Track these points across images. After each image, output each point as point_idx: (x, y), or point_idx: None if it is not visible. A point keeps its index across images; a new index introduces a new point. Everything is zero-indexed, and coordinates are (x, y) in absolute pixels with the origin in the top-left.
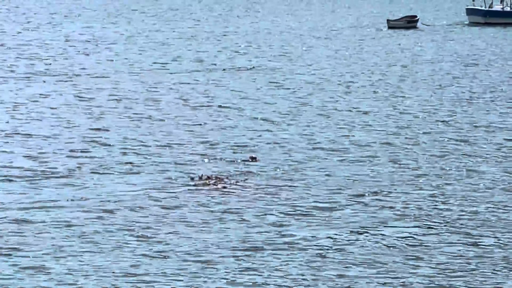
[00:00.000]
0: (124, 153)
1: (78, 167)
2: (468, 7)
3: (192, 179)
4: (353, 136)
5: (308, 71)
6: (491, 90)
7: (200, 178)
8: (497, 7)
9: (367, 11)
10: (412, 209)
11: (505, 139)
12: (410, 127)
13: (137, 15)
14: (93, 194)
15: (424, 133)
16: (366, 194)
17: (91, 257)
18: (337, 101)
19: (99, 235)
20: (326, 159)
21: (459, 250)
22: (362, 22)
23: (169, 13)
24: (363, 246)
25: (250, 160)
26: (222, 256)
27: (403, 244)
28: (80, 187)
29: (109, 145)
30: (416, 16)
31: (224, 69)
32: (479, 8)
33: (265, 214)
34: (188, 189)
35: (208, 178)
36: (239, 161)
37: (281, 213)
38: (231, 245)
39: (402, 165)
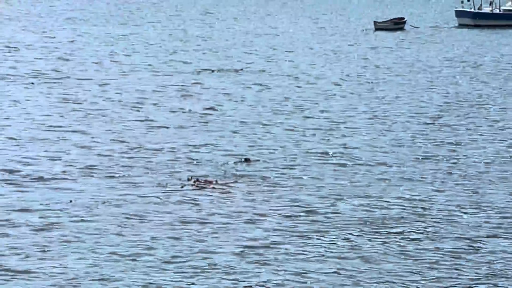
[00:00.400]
0: (111, 157)
1: (63, 170)
2: (457, 9)
3: (181, 181)
4: (341, 138)
5: (295, 73)
6: (477, 92)
7: (189, 180)
8: (486, 9)
9: (356, 12)
10: (406, 212)
11: (488, 142)
12: (395, 130)
13: (124, 17)
14: (79, 198)
15: (410, 136)
16: (356, 197)
17: (76, 259)
18: (324, 103)
19: (83, 238)
20: (316, 162)
21: (435, 255)
22: (350, 23)
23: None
24: (354, 249)
25: (244, 161)
26: (206, 258)
27: (397, 248)
28: (66, 190)
29: (95, 148)
30: (403, 18)
31: (212, 71)
32: (468, 10)
33: (253, 217)
34: (176, 192)
35: (197, 180)
36: (229, 163)
37: (269, 215)
38: (217, 247)
39: (390, 168)
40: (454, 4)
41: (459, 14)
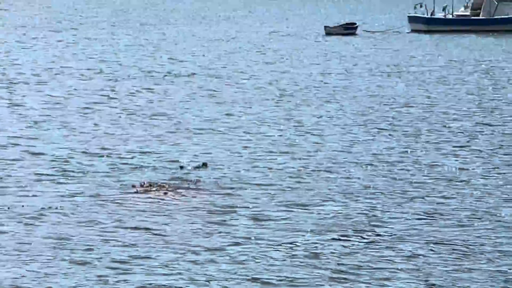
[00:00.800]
0: (59, 162)
1: (8, 175)
2: (410, 14)
3: (134, 186)
4: (296, 143)
5: (244, 78)
6: (425, 96)
7: (142, 185)
8: (439, 14)
9: (308, 17)
10: (353, 221)
11: (440, 148)
12: (348, 134)
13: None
14: (28, 203)
15: (361, 141)
16: (310, 202)
17: (22, 265)
18: (275, 108)
19: (32, 244)
20: (271, 168)
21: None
22: (301, 28)
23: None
24: (305, 257)
25: (197, 167)
26: (151, 264)
27: (342, 255)
28: (15, 195)
29: (43, 153)
30: (355, 23)
31: (165, 75)
32: (421, 15)
33: (204, 222)
34: (128, 196)
35: (150, 185)
36: (183, 168)
37: (221, 220)
38: (164, 252)
39: (343, 175)
40: (409, 10)
41: (412, 19)
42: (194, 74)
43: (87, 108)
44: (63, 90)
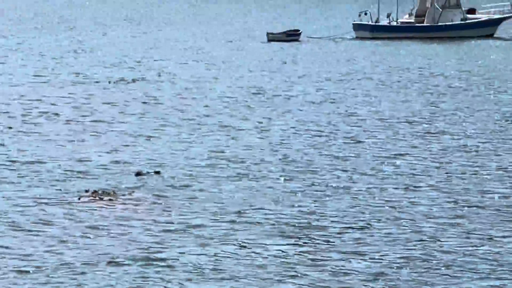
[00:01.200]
0: (4, 169)
1: None
2: (355, 22)
3: (78, 193)
4: (235, 151)
5: (185, 85)
6: (368, 103)
7: (86, 192)
8: (384, 22)
9: (252, 24)
10: (290, 225)
11: (376, 156)
12: (287, 142)
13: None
14: None
15: (297, 149)
16: (250, 209)
17: None
18: (214, 114)
19: None
20: (212, 175)
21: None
22: (244, 34)
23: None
24: (241, 262)
25: (153, 173)
26: (94, 271)
27: (280, 260)
28: None
29: None
30: (298, 30)
31: (109, 82)
32: (366, 23)
33: (146, 229)
34: (73, 204)
35: (95, 192)
36: (128, 175)
37: (163, 228)
38: (106, 260)
39: (281, 182)
40: (354, 17)
41: (357, 27)
42: (135, 80)
43: (26, 114)
44: (1, 96)
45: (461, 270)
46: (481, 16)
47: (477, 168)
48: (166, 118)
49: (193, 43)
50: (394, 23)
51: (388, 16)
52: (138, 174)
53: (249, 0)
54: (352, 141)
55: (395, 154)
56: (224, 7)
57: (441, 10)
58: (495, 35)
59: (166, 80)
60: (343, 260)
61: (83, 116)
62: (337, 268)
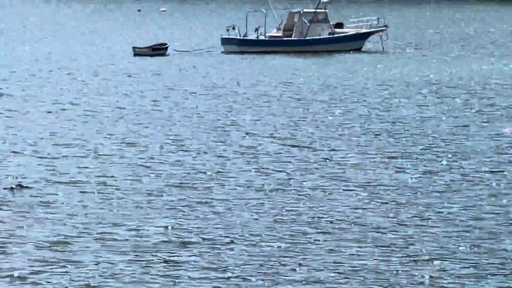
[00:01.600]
0: None
1: None
2: (223, 36)
3: None
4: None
5: (56, 100)
6: (232, 118)
7: None
8: (252, 36)
9: (118, 38)
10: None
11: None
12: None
13: None
14: None
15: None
16: (120, 224)
17: None
18: (81, 129)
19: None
20: (86, 191)
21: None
22: (110, 49)
23: None
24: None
25: (18, 187)
26: None
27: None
28: None
29: None
30: (165, 44)
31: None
32: (234, 37)
33: (9, 244)
34: None
35: None
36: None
37: (28, 243)
38: None
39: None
40: (223, 31)
41: (225, 41)
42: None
43: None
44: None
45: None
46: (349, 30)
47: (336, 182)
48: (36, 133)
49: (54, 58)
50: (262, 37)
51: (256, 30)
52: (21, 186)
53: (120, 14)
54: (216, 155)
55: (256, 167)
56: (89, 26)
57: (309, 24)
58: (363, 49)
59: (35, 95)
60: None
61: None
62: None
